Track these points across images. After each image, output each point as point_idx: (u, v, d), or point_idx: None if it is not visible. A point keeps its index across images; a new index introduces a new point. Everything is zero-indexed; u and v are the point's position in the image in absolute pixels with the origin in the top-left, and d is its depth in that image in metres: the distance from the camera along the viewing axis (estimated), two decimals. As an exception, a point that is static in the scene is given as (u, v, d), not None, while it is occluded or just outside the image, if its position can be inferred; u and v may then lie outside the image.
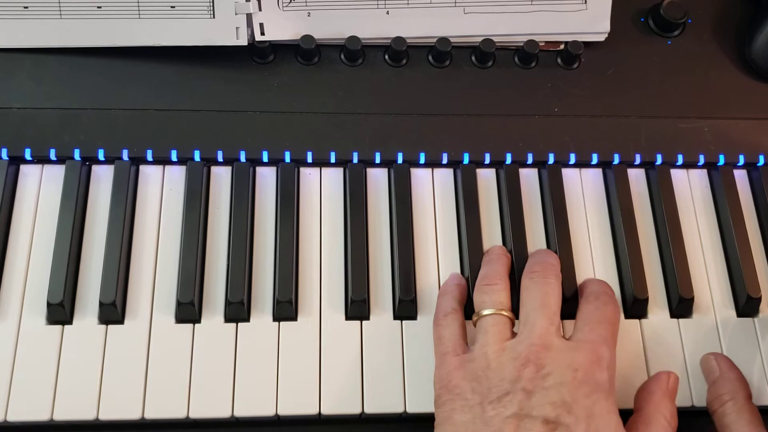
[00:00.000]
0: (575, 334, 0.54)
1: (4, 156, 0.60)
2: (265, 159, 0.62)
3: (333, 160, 0.63)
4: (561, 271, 0.59)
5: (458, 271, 0.61)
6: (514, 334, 0.54)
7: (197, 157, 0.62)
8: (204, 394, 0.55)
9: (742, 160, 0.65)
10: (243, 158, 0.62)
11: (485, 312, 0.54)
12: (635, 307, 0.60)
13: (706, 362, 0.58)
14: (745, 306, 0.60)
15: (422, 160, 0.63)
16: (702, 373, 0.58)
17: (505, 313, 0.54)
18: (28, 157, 0.61)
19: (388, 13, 0.65)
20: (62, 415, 0.54)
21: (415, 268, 0.60)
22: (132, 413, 0.54)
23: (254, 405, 0.55)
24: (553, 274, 0.56)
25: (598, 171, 0.65)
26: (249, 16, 0.63)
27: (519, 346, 0.52)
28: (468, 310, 0.58)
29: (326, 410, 0.55)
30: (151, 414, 0.54)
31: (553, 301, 0.54)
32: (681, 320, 0.60)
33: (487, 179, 0.64)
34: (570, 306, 0.59)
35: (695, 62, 0.69)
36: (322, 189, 0.63)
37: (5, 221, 0.59)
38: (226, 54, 0.65)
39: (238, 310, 0.57)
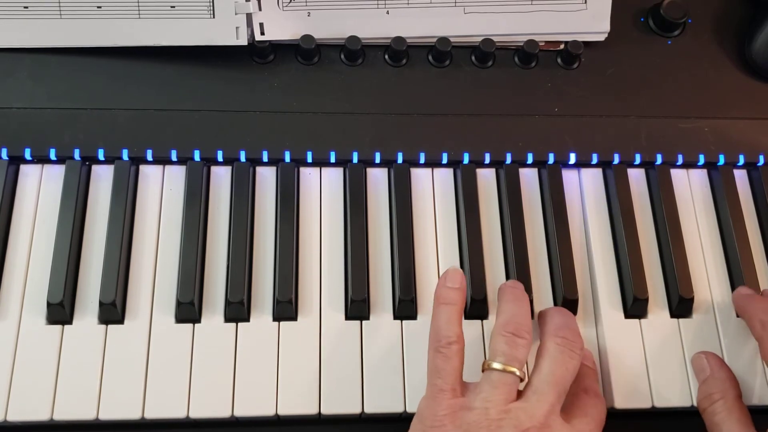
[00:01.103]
0: (573, 419, 0.52)
1: (4, 156, 0.60)
2: (265, 159, 0.62)
3: (333, 160, 0.63)
4: (561, 272, 0.59)
5: (458, 271, 0.61)
6: (518, 393, 0.52)
7: (197, 156, 0.62)
8: (204, 394, 0.55)
9: (742, 160, 0.65)
10: (243, 158, 0.62)
11: (498, 366, 0.51)
12: (635, 307, 0.60)
13: (697, 361, 0.58)
14: (745, 306, 0.60)
15: (422, 160, 0.63)
16: (693, 371, 0.58)
17: (518, 373, 0.51)
18: (28, 156, 0.61)
19: (388, 12, 0.65)
20: (62, 415, 0.54)
21: (415, 268, 0.60)
22: (132, 413, 0.54)
23: (254, 405, 0.55)
24: (578, 350, 0.53)
25: (598, 171, 0.65)
26: (249, 16, 0.63)
27: (522, 415, 0.49)
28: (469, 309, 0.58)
29: (326, 410, 0.55)
30: (151, 414, 0.54)
31: (568, 379, 0.52)
32: (681, 320, 0.60)
33: (487, 179, 0.64)
34: (569, 307, 0.59)
35: (695, 62, 0.69)
36: (322, 189, 0.63)
37: (5, 221, 0.59)
38: (226, 54, 0.65)
39: (238, 310, 0.57)
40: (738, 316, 0.60)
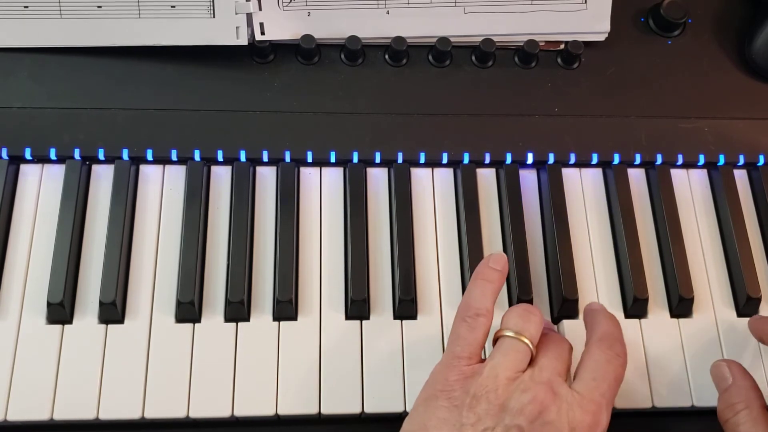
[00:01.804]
0: (579, 382, 0.50)
1: (5, 155, 0.60)
2: (265, 159, 0.62)
3: (333, 160, 0.63)
4: (561, 272, 0.59)
5: (458, 270, 0.61)
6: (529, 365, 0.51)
7: (197, 156, 0.62)
8: (204, 394, 0.55)
9: (742, 160, 0.65)
10: (243, 158, 0.62)
11: (511, 333, 0.51)
12: (635, 307, 0.60)
13: (717, 369, 0.55)
14: (745, 306, 0.60)
15: (422, 160, 0.63)
16: (712, 380, 0.56)
17: (529, 344, 0.51)
18: (28, 156, 0.61)
19: (388, 12, 0.65)
20: (62, 414, 0.54)
21: (415, 268, 0.60)
22: (132, 413, 0.54)
23: (254, 405, 0.55)
24: (569, 345, 0.53)
25: (598, 171, 0.65)
26: (249, 16, 0.63)
27: (529, 381, 0.49)
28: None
29: (326, 410, 0.55)
30: (151, 413, 0.54)
31: (566, 366, 0.52)
32: (681, 320, 0.60)
33: (487, 179, 0.64)
34: (569, 307, 0.59)
35: (695, 62, 0.69)
36: (322, 189, 0.63)
37: (5, 221, 0.59)
38: (226, 54, 0.65)
39: (238, 310, 0.57)
40: (760, 341, 0.58)
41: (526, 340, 0.51)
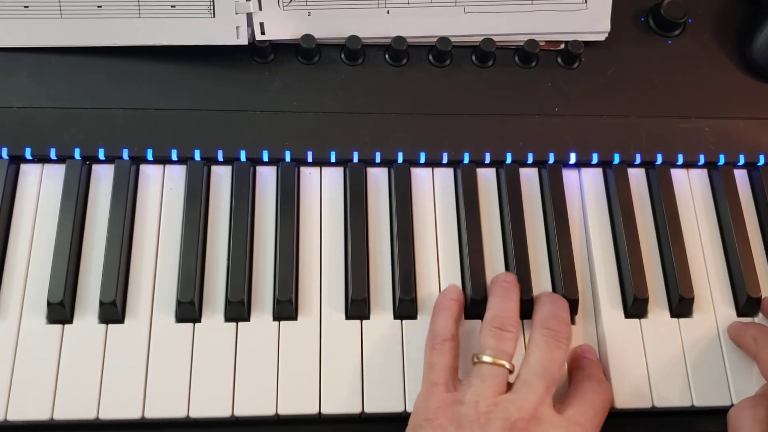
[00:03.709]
0: (567, 408, 0.52)
1: (5, 155, 0.60)
2: (266, 158, 0.62)
3: (333, 160, 0.63)
4: (561, 272, 0.59)
5: (458, 270, 0.61)
6: (509, 385, 0.53)
7: (197, 156, 0.62)
8: (204, 394, 0.55)
9: (742, 160, 0.65)
10: (243, 158, 0.62)
11: (488, 359, 0.53)
12: (635, 307, 0.60)
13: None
14: (745, 306, 0.60)
15: (422, 160, 0.63)
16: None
17: (506, 366, 0.53)
18: (28, 156, 0.61)
19: (388, 12, 0.65)
20: (62, 414, 0.54)
21: (415, 268, 0.60)
22: (132, 412, 0.54)
23: (254, 404, 0.55)
24: (565, 339, 0.54)
25: (599, 170, 0.65)
26: (249, 16, 0.63)
27: (511, 407, 0.50)
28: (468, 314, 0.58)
29: (326, 410, 0.55)
30: (151, 413, 0.54)
31: (556, 370, 0.53)
32: (681, 320, 0.60)
33: (487, 179, 0.64)
34: (569, 306, 0.59)
35: (695, 62, 0.69)
36: (322, 188, 0.63)
37: (5, 220, 0.59)
38: (226, 53, 0.65)
39: (238, 310, 0.57)
40: (737, 344, 0.59)
41: (504, 362, 0.53)
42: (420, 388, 0.54)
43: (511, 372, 0.53)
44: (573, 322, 0.59)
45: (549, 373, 0.52)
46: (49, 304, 0.56)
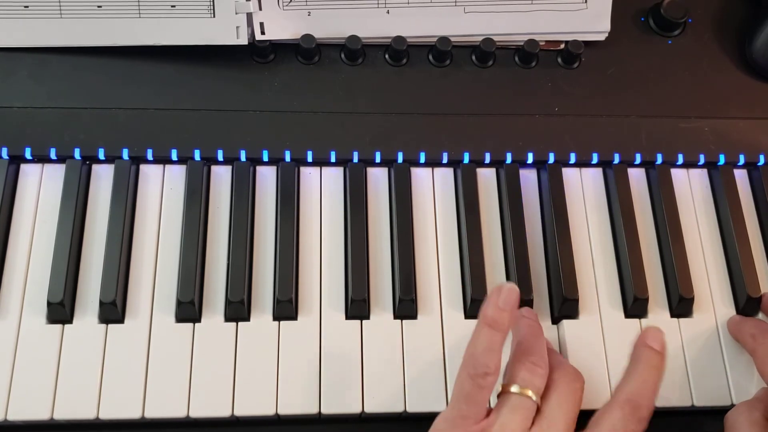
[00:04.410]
0: None
1: (5, 155, 0.60)
2: (266, 158, 0.62)
3: (333, 160, 0.63)
4: (561, 272, 0.59)
5: (458, 270, 0.60)
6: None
7: (197, 156, 0.62)
8: (204, 394, 0.55)
9: (742, 160, 0.65)
10: (243, 157, 0.62)
11: (517, 390, 0.50)
12: (635, 307, 0.60)
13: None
14: (745, 306, 0.60)
15: (422, 160, 0.63)
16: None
17: (534, 399, 0.50)
18: (28, 156, 0.61)
19: (388, 12, 0.65)
20: (62, 414, 0.54)
21: (416, 268, 0.60)
22: (132, 412, 0.54)
23: (254, 404, 0.55)
24: (581, 381, 0.53)
25: (599, 170, 0.65)
26: (249, 16, 0.63)
27: None
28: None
29: (326, 410, 0.55)
30: (151, 413, 0.54)
31: (576, 408, 0.51)
32: (681, 320, 0.60)
33: (487, 179, 0.64)
34: (569, 306, 0.59)
35: (695, 62, 0.69)
36: (322, 188, 0.63)
37: (5, 220, 0.59)
38: (226, 53, 0.65)
39: (238, 310, 0.57)
40: (736, 339, 0.60)
41: (533, 395, 0.50)
42: (418, 389, 0.53)
43: (538, 408, 0.51)
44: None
45: (572, 410, 0.51)
46: (49, 304, 0.56)
